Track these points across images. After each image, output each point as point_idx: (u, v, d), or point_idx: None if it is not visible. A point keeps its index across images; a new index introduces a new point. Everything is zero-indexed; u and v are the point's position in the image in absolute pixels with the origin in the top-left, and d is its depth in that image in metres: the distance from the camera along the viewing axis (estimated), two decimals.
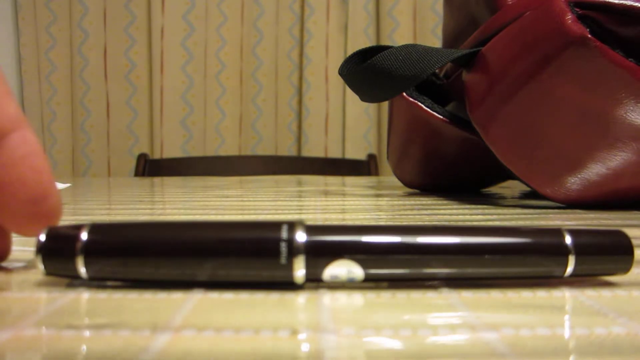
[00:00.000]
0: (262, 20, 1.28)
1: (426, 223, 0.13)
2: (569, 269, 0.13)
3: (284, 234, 0.12)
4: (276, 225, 0.12)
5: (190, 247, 0.12)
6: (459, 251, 0.13)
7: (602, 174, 0.29)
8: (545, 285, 0.13)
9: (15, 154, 0.13)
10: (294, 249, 0.12)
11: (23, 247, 0.19)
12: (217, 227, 0.13)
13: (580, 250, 0.13)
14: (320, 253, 0.12)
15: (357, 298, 0.12)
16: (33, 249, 0.18)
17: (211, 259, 0.12)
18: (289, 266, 0.12)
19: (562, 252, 0.13)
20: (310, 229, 0.13)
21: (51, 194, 0.14)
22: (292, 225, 0.12)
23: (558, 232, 0.13)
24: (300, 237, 0.12)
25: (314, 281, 0.13)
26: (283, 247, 0.12)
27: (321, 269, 0.12)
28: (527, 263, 0.13)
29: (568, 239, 0.13)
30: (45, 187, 0.14)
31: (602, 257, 0.13)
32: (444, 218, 0.27)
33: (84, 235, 0.12)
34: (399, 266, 0.13)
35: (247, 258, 0.12)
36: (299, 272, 0.12)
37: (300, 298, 0.12)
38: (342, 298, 0.12)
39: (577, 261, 0.13)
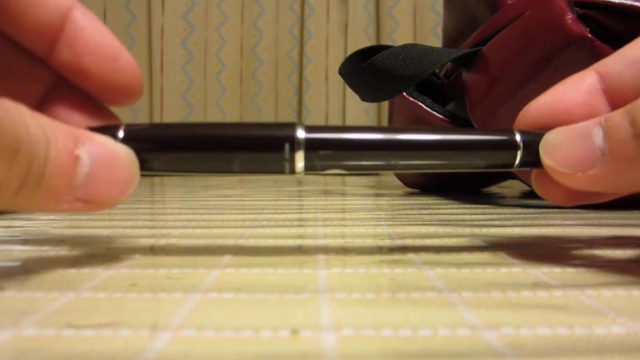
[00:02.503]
0: (262, 20, 1.28)
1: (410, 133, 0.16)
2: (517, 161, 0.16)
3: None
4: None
5: (215, 142, 0.15)
6: (432, 146, 0.15)
7: None
8: (545, 285, 0.13)
9: (83, 22, 0.15)
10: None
11: (23, 247, 0.19)
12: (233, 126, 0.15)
13: (527, 145, 0.16)
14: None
15: (357, 297, 0.12)
16: (32, 248, 0.18)
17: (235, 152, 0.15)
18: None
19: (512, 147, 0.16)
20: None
21: (124, 50, 0.16)
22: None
23: (510, 131, 0.16)
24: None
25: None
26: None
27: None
28: (485, 155, 0.16)
29: (518, 137, 0.16)
30: (118, 44, 0.16)
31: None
32: (444, 218, 0.27)
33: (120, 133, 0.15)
34: (377, 159, 0.15)
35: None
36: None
37: (300, 298, 0.12)
38: (342, 298, 0.12)
39: (523, 154, 0.16)
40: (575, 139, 0.14)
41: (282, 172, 0.15)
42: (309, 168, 0.15)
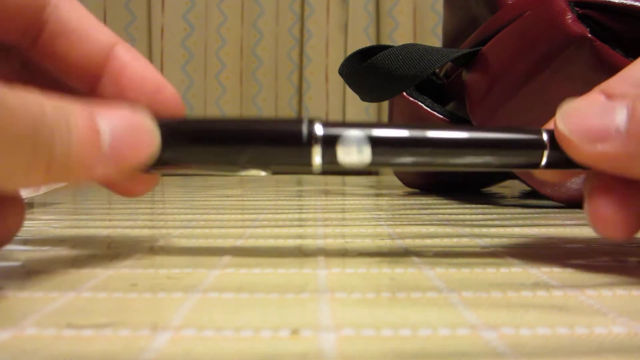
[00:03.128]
0: (262, 20, 1.28)
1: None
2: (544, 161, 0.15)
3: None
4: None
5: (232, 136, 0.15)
6: (456, 144, 0.15)
7: None
8: (545, 285, 0.13)
9: (127, 57, 0.16)
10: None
11: (23, 247, 0.19)
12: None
13: (553, 145, 0.15)
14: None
15: (357, 297, 0.12)
16: (32, 248, 0.18)
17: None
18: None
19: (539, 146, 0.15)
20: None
21: (167, 84, 0.17)
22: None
23: (538, 131, 0.15)
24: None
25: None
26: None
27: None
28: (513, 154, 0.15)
29: (545, 136, 0.15)
30: (160, 78, 0.17)
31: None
32: (444, 217, 0.27)
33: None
34: (408, 154, 0.15)
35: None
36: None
37: (300, 298, 0.12)
38: (342, 298, 0.12)
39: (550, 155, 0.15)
40: (596, 110, 0.14)
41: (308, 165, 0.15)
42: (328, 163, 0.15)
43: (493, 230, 0.23)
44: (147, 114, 0.14)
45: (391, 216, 0.28)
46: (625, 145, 0.13)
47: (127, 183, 0.17)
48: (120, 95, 0.16)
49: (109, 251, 0.18)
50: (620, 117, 0.13)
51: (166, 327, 0.10)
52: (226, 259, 0.17)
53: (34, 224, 0.25)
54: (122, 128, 0.13)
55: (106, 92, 0.16)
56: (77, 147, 0.12)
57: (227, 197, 0.39)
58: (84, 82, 0.16)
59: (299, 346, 0.09)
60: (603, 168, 0.14)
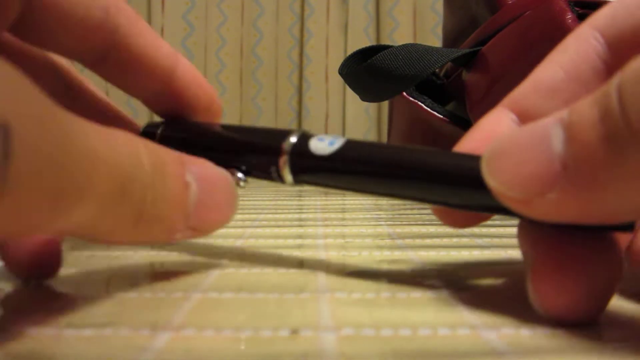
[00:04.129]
0: (262, 20, 1.28)
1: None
2: None
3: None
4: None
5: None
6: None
7: None
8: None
9: (191, 70, 0.17)
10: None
11: None
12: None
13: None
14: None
15: (357, 297, 0.12)
16: None
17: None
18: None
19: None
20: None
21: (216, 96, 0.18)
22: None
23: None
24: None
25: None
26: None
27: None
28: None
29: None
30: (213, 91, 0.18)
31: None
32: None
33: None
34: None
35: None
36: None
37: (300, 298, 0.12)
38: (342, 298, 0.12)
39: None
40: (527, 145, 0.10)
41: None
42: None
43: (493, 230, 0.23)
44: (229, 175, 0.14)
45: (391, 216, 0.28)
46: (576, 181, 0.09)
47: None
48: (179, 110, 0.17)
49: (109, 251, 0.18)
50: (557, 144, 0.09)
51: (166, 327, 0.10)
52: (226, 258, 0.17)
53: None
54: (208, 186, 0.13)
55: (167, 109, 0.17)
56: (164, 203, 0.11)
57: None
58: (147, 100, 0.17)
59: (299, 346, 0.09)
60: (570, 220, 0.10)
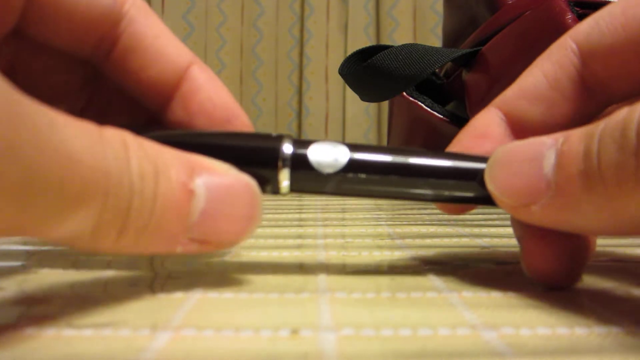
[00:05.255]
0: (262, 20, 1.28)
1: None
2: None
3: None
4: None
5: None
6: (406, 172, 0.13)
7: None
8: (545, 284, 0.13)
9: (200, 80, 0.15)
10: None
11: (23, 247, 0.19)
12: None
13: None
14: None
15: (357, 298, 0.12)
16: (33, 248, 0.18)
17: None
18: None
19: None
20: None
21: (240, 113, 0.15)
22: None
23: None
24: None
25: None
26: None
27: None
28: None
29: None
30: (234, 105, 0.15)
31: None
32: (444, 217, 0.27)
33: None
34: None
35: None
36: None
37: (300, 298, 0.12)
38: (342, 297, 0.12)
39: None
40: (522, 162, 0.11)
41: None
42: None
43: (493, 230, 0.23)
44: (255, 183, 0.12)
45: (391, 216, 0.28)
46: (555, 201, 0.11)
47: None
48: (187, 120, 0.15)
49: None
50: (547, 166, 0.11)
51: (166, 327, 0.10)
52: (226, 258, 0.17)
53: None
54: (221, 195, 0.12)
55: (175, 116, 0.15)
56: (162, 211, 0.10)
57: None
58: (154, 101, 0.15)
59: (299, 346, 0.09)
60: (549, 227, 0.12)
